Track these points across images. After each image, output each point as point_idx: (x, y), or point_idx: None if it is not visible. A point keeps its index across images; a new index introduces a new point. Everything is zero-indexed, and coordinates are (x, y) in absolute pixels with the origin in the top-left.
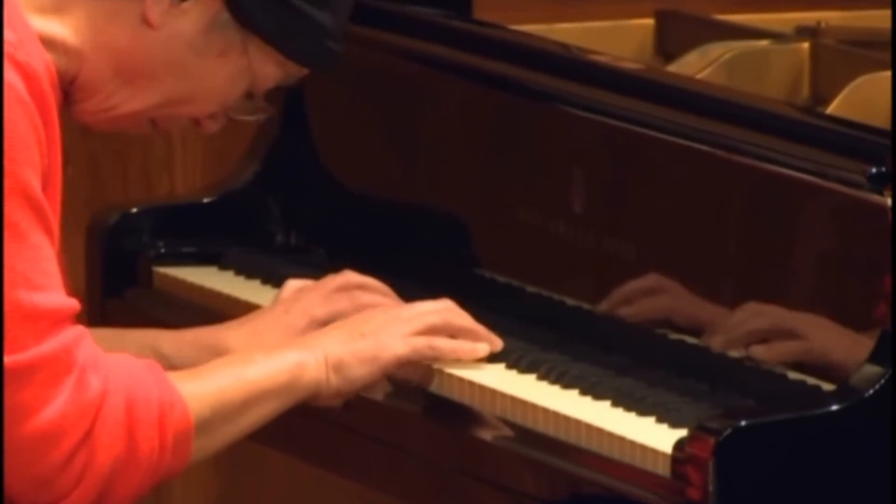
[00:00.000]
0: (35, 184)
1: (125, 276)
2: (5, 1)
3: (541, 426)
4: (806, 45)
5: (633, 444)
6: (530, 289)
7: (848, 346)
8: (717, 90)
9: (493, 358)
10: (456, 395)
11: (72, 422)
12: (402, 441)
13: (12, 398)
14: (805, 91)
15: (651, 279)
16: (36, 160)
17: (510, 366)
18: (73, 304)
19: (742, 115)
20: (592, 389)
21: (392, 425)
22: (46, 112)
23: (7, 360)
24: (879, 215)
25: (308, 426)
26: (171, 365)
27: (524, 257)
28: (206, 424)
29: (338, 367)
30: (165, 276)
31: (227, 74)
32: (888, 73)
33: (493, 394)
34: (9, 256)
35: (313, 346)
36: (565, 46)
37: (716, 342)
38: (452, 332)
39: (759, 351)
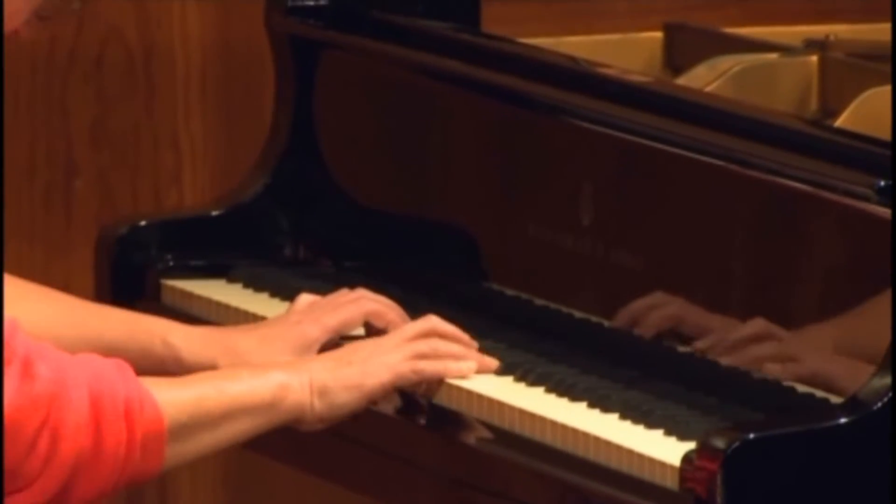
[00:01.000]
0: None
1: (134, 288)
2: None
3: (549, 439)
4: (815, 58)
5: (641, 456)
6: (538, 301)
7: (856, 359)
8: (726, 103)
9: (501, 370)
10: (464, 407)
11: (25, 413)
12: (410, 453)
13: None
14: (814, 104)
15: (659, 292)
16: None
17: (518, 378)
18: None
19: (750, 128)
20: (600, 402)
21: (400, 438)
22: None
23: None
24: (888, 228)
25: (316, 438)
26: (177, 357)
27: (532, 270)
28: (182, 430)
29: (322, 393)
30: (174, 289)
31: None
32: None
33: (501, 406)
34: None
35: (300, 370)
36: (574, 60)
37: (724, 356)
38: (440, 357)
39: (767, 366)
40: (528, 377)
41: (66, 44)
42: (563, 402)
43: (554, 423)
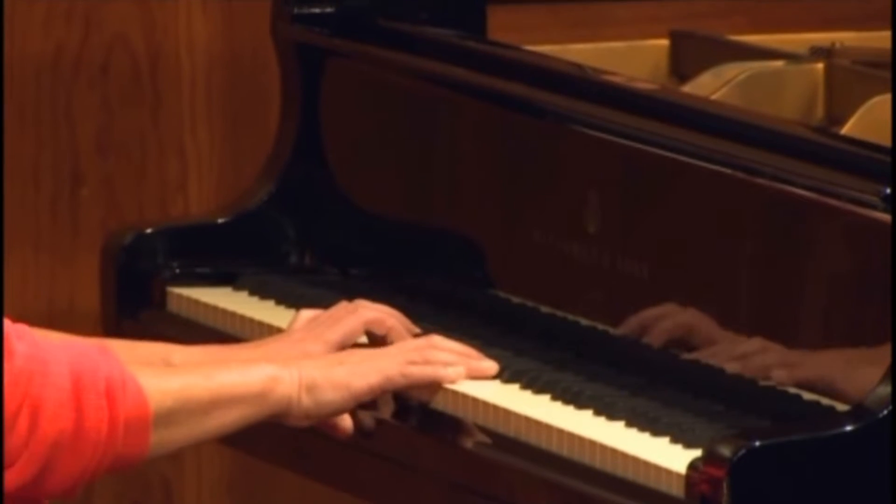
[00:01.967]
0: None
1: (139, 296)
2: None
3: (555, 446)
4: (820, 65)
5: (647, 464)
6: (544, 309)
7: (862, 367)
8: (732, 111)
9: (507, 378)
10: (470, 414)
11: (6, 389)
12: (416, 460)
13: None
14: (820, 111)
15: (665, 299)
16: None
17: (524, 386)
18: None
19: (756, 136)
20: (607, 409)
21: (405, 444)
22: None
23: None
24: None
25: (321, 445)
26: None
27: (538, 277)
28: (168, 416)
29: (310, 389)
30: (180, 297)
31: None
32: None
33: (507, 413)
34: None
35: (290, 365)
36: (580, 67)
37: (730, 364)
38: (431, 363)
39: (775, 374)
40: (535, 385)
41: (71, 51)
42: (570, 410)
43: (560, 431)
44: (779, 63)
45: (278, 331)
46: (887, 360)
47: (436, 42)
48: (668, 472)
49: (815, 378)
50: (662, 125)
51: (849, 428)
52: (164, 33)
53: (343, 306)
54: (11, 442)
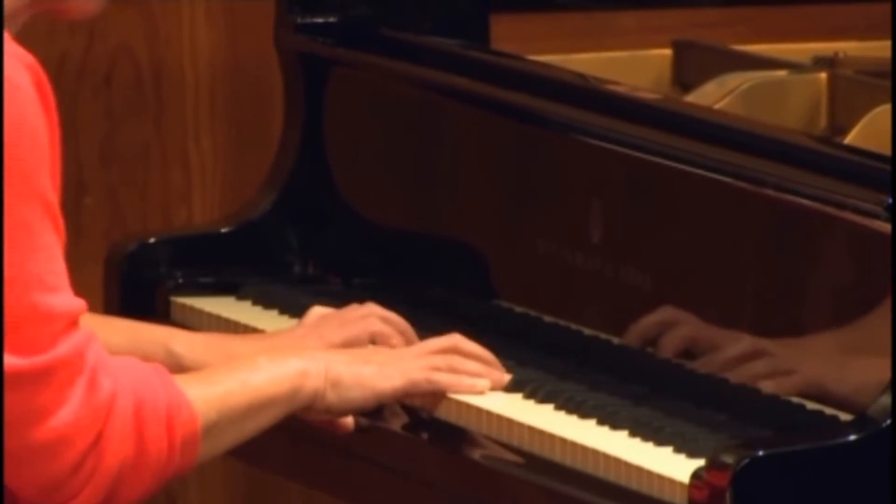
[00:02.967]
0: (46, 182)
1: (143, 306)
2: None
3: (558, 456)
4: (823, 75)
5: (650, 473)
6: (548, 319)
7: (866, 377)
8: (735, 120)
9: (510, 388)
10: (473, 424)
11: (85, 424)
12: (419, 470)
13: (30, 401)
14: (823, 121)
15: (668, 309)
16: (46, 156)
17: (528, 396)
18: (82, 304)
19: (759, 146)
20: (610, 419)
21: (408, 454)
22: (47, 96)
23: (26, 362)
24: None
25: (324, 455)
26: (180, 365)
27: (542, 287)
28: (212, 428)
29: (336, 384)
30: (183, 307)
31: None
32: None
33: (510, 423)
34: (23, 259)
35: (317, 358)
36: (583, 77)
37: (732, 373)
38: (456, 372)
39: (777, 383)
40: (538, 394)
41: (75, 61)
42: (573, 420)
43: (563, 441)
44: (782, 73)
45: None
46: (890, 369)
47: (439, 52)
48: (672, 482)
49: (818, 387)
50: (665, 135)
51: (852, 437)
52: (167, 43)
53: (354, 309)
54: (79, 476)
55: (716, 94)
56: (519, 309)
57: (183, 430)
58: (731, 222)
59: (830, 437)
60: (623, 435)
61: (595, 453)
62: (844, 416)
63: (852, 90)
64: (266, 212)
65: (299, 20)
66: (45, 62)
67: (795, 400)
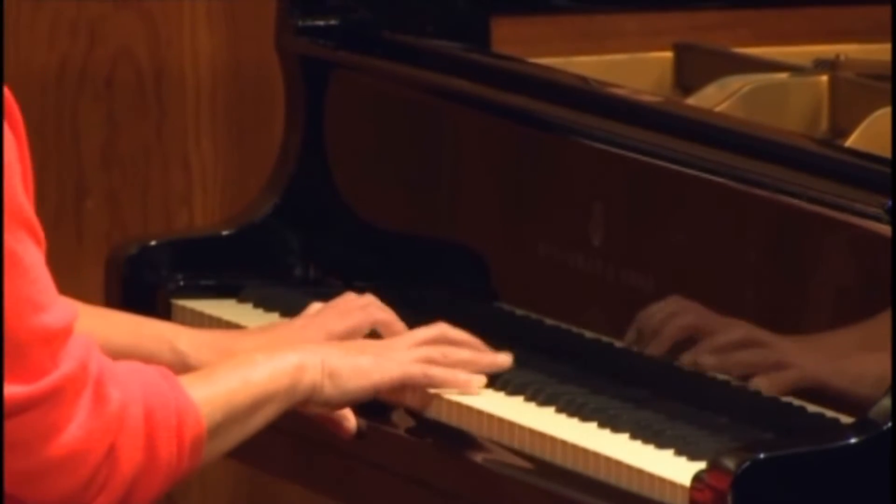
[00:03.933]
0: (24, 200)
1: (144, 308)
2: None
3: (559, 458)
4: (825, 77)
5: (651, 476)
6: (548, 321)
7: (867, 379)
8: (736, 123)
9: (511, 390)
10: (474, 427)
11: (96, 436)
12: (420, 473)
13: (41, 422)
14: (824, 124)
15: (669, 311)
16: (19, 173)
17: (528, 398)
18: (74, 308)
19: (761, 148)
20: (611, 422)
21: (410, 457)
22: (13, 113)
23: (33, 388)
24: None
25: (326, 458)
26: (184, 362)
27: (542, 290)
28: (217, 428)
29: (333, 376)
30: (184, 309)
31: None
32: None
33: (511, 426)
34: (12, 287)
35: (313, 351)
36: (584, 79)
37: (733, 373)
38: (451, 365)
39: (778, 384)
40: (538, 397)
41: (76, 64)
42: (574, 422)
43: (564, 443)
44: (783, 75)
45: None
46: (891, 372)
47: (440, 54)
48: (673, 485)
49: (819, 390)
50: (666, 137)
51: (853, 440)
52: (168, 46)
53: (351, 298)
54: (94, 487)
55: (717, 97)
56: (520, 312)
57: (191, 433)
58: (731, 225)
59: (831, 440)
60: (624, 438)
61: (596, 456)
62: (845, 419)
63: (853, 93)
64: (267, 214)
65: (300, 23)
66: (46, 66)
67: (796, 403)
